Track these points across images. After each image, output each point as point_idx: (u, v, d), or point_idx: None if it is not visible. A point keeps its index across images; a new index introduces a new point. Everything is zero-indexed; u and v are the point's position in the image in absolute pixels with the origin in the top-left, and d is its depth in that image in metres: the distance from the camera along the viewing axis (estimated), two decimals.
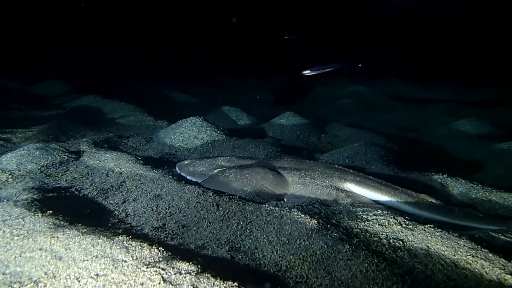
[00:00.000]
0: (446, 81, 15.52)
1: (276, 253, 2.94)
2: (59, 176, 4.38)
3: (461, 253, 2.76)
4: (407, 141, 7.57)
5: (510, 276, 2.48)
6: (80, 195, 3.95)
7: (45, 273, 2.35)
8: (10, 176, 4.13)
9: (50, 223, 2.84)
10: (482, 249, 2.77)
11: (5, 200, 3.36)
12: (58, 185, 4.11)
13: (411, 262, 2.78)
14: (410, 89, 14.95)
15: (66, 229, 2.74)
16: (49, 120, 7.29)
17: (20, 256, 2.50)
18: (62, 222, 2.89)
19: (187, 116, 7.03)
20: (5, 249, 2.56)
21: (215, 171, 4.60)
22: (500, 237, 3.08)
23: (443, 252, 2.81)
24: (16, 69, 13.25)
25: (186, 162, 4.95)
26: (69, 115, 8.20)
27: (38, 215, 2.95)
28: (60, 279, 2.30)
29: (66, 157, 4.81)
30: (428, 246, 2.90)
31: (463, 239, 2.91)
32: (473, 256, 2.71)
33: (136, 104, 9.38)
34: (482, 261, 2.65)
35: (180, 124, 6.80)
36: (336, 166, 4.62)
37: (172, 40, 20.33)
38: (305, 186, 4.11)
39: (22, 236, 2.68)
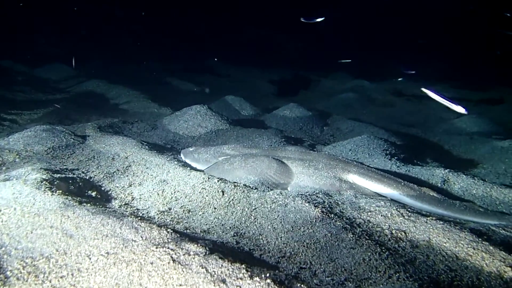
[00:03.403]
0: (448, 78, 15.53)
1: (281, 239, 2.99)
2: (66, 158, 4.42)
3: (462, 245, 2.82)
4: (408, 136, 7.62)
5: (509, 269, 2.54)
6: (87, 177, 4.00)
7: (57, 250, 2.41)
8: (17, 156, 4.17)
9: (60, 202, 2.89)
10: (483, 242, 2.83)
11: (15, 179, 3.40)
12: (65, 166, 4.16)
13: (413, 253, 2.84)
14: (411, 85, 14.96)
15: (76, 209, 2.80)
16: (54, 104, 7.32)
17: (32, 232, 2.56)
18: (71, 202, 2.94)
19: (191, 104, 7.07)
20: (17, 226, 2.61)
21: (220, 158, 4.64)
22: (501, 231, 3.15)
23: (444, 244, 2.87)
24: (20, 51, 13.20)
25: (191, 149, 5.00)
26: (74, 99, 8.22)
27: (48, 194, 3.00)
28: (71, 255, 2.35)
29: (72, 140, 4.84)
30: (430, 238, 2.96)
31: (464, 232, 2.97)
32: (474, 249, 2.77)
33: (140, 91, 9.40)
34: (483, 253, 2.70)
35: (185, 112, 6.83)
36: (339, 157, 4.67)
37: (176, 29, 20.28)
38: (309, 176, 4.16)
39: (33, 214, 2.73)
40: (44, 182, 3.28)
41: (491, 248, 2.73)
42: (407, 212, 3.34)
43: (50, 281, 2.17)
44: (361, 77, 14.67)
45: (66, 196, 3.03)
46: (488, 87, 13.99)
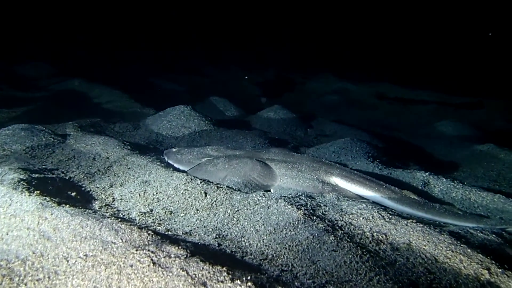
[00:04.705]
0: (428, 82, 15.79)
1: (263, 242, 2.99)
2: (45, 158, 4.33)
3: (441, 248, 2.86)
4: (390, 139, 7.72)
5: (486, 271, 2.58)
6: (66, 177, 3.92)
7: (33, 252, 2.35)
8: None
9: (38, 203, 2.82)
10: (461, 245, 2.87)
11: None
12: (44, 166, 4.07)
13: (393, 255, 2.86)
14: (394, 88, 15.17)
15: (54, 210, 2.73)
16: (33, 102, 7.17)
17: (7, 234, 2.49)
18: (49, 203, 2.87)
19: (174, 105, 7.01)
20: None
21: (203, 160, 4.62)
22: (478, 234, 3.20)
23: (424, 247, 2.91)
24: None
25: (174, 150, 4.95)
26: (54, 97, 8.07)
27: (25, 195, 2.93)
28: (48, 258, 2.30)
29: (52, 139, 4.74)
30: (410, 240, 2.99)
31: (443, 235, 3.01)
32: (452, 251, 2.81)
33: (123, 90, 9.28)
34: (461, 256, 2.75)
35: (168, 112, 6.77)
36: (322, 160, 4.69)
37: (160, 29, 20.12)
38: (292, 178, 4.17)
39: (9, 215, 2.66)
40: (21, 182, 3.20)
41: (469, 250, 2.78)
42: (388, 214, 3.37)
43: (25, 284, 2.12)
44: (345, 79, 14.81)
45: (44, 197, 2.96)
46: (468, 92, 14.29)
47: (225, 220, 3.28)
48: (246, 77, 15.20)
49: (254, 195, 3.63)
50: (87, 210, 2.88)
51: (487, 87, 14.39)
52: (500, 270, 2.57)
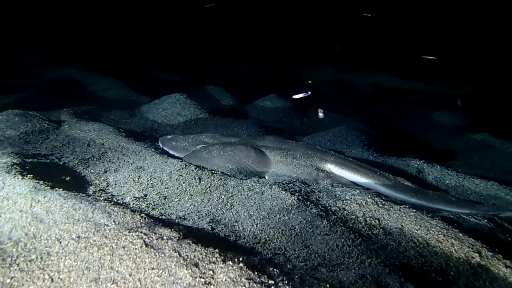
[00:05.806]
0: (425, 73, 15.77)
1: (256, 226, 3.00)
2: (39, 143, 4.31)
3: (433, 232, 2.88)
4: (386, 129, 7.73)
5: (477, 254, 2.61)
6: (61, 163, 3.91)
7: (26, 234, 2.35)
8: None
9: (31, 186, 2.82)
10: (453, 229, 2.89)
11: None
12: (38, 152, 4.05)
13: (385, 239, 2.88)
14: (390, 79, 15.15)
15: (47, 193, 2.73)
16: (28, 89, 7.12)
17: (0, 216, 2.49)
18: (43, 186, 2.87)
19: (170, 93, 6.98)
20: None
21: (198, 147, 4.61)
22: (470, 219, 3.22)
23: (416, 231, 2.93)
24: None
25: (169, 137, 4.94)
26: (49, 85, 8.01)
27: (18, 178, 2.92)
28: (41, 240, 2.30)
29: (46, 125, 4.72)
30: (402, 225, 3.01)
31: (435, 220, 3.03)
32: (444, 235, 2.83)
33: (118, 78, 9.22)
34: (452, 240, 2.77)
35: (164, 100, 6.75)
36: (317, 147, 4.70)
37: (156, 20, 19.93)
38: (287, 165, 4.17)
39: (2, 197, 2.65)
40: (14, 166, 3.19)
41: (461, 235, 2.80)
42: (382, 200, 3.38)
43: (18, 265, 2.12)
44: (342, 69, 14.77)
45: (37, 181, 2.95)
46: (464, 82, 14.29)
47: (219, 205, 3.29)
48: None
49: (248, 181, 3.64)
50: (80, 194, 2.88)
51: (483, 77, 14.40)
52: (491, 253, 2.60)
